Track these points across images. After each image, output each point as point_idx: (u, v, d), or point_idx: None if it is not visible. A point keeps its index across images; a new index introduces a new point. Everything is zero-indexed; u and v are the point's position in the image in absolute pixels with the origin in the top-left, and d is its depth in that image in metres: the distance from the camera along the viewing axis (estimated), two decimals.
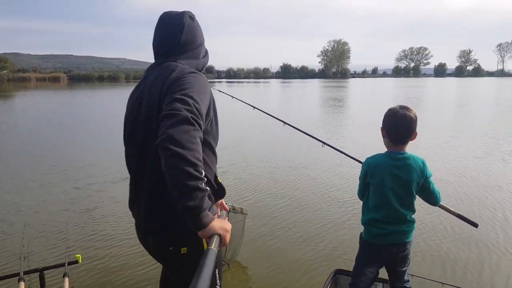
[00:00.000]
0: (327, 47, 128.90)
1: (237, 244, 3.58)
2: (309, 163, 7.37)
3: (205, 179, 1.25)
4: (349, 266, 3.10)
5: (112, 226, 4.43)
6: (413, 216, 2.09)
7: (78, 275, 3.32)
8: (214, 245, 1.15)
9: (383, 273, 2.29)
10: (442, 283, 2.69)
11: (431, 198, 2.13)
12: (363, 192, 2.15)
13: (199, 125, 1.29)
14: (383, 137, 2.09)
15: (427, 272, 3.32)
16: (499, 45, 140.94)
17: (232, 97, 3.35)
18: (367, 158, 2.13)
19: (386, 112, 2.07)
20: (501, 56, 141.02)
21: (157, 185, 1.48)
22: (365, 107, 20.98)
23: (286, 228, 4.34)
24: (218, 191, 1.63)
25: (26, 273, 2.56)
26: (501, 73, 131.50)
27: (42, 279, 2.60)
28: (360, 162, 2.68)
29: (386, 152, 2.08)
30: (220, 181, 1.65)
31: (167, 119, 1.26)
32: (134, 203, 1.65)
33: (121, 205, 4.97)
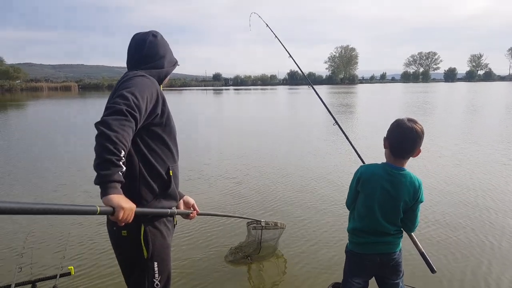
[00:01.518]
0: (334, 53, 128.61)
1: (269, 253, 3.70)
2: (327, 171, 7.19)
3: (123, 158, 1.44)
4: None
5: None
6: (398, 232, 2.03)
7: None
8: (100, 208, 1.27)
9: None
10: None
11: (410, 222, 2.02)
12: (353, 200, 2.07)
13: (133, 117, 1.52)
14: (385, 147, 1.99)
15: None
16: (510, 49, 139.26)
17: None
18: (362, 166, 2.06)
19: (393, 123, 1.96)
20: None
21: None
22: (376, 113, 20.65)
23: (302, 241, 4.14)
24: (169, 182, 1.81)
25: (17, 285, 2.43)
26: None
27: None
28: (363, 161, 2.62)
29: (383, 163, 1.99)
30: (171, 174, 1.82)
31: (106, 110, 1.52)
32: None
33: None
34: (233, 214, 4.47)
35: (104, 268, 3.58)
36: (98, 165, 1.41)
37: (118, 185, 1.42)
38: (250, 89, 79.71)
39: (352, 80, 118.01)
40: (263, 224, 3.54)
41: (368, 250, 2.01)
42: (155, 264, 1.76)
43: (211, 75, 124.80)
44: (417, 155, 1.93)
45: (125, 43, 2.02)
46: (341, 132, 3.04)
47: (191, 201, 2.14)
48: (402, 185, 1.91)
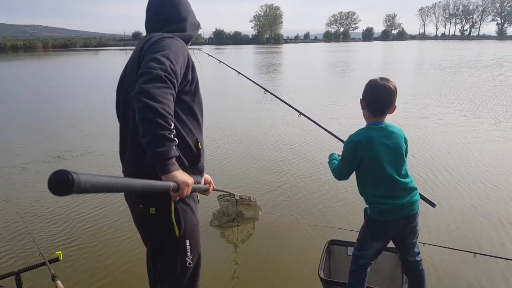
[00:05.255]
0: (259, 12, 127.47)
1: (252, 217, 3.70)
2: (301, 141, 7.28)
3: (174, 130, 1.36)
4: (324, 233, 3.28)
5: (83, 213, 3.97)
6: (413, 183, 2.05)
7: (64, 274, 2.86)
8: (173, 185, 1.23)
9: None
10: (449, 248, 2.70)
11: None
12: (349, 171, 2.07)
13: (172, 83, 1.40)
14: (362, 108, 2.04)
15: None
16: (421, 9, 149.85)
17: (220, 61, 3.06)
18: (352, 136, 2.03)
19: (367, 84, 2.01)
20: (423, 20, 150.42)
21: (137, 140, 1.46)
22: (302, 73, 21.12)
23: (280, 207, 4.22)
24: (198, 156, 1.69)
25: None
26: (422, 37, 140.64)
27: (19, 283, 2.18)
28: (338, 138, 2.58)
29: (368, 125, 2.04)
30: (200, 146, 1.70)
31: (142, 76, 1.37)
32: (122, 157, 1.72)
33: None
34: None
35: (91, 248, 3.30)
36: (151, 142, 1.31)
37: (175, 160, 1.38)
38: None
39: (277, 39, 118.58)
40: (237, 197, 3.53)
41: (393, 216, 2.01)
42: (187, 242, 1.65)
43: (130, 34, 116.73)
44: (393, 111, 2.01)
45: None
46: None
47: (209, 178, 2.04)
48: (395, 134, 1.99)
